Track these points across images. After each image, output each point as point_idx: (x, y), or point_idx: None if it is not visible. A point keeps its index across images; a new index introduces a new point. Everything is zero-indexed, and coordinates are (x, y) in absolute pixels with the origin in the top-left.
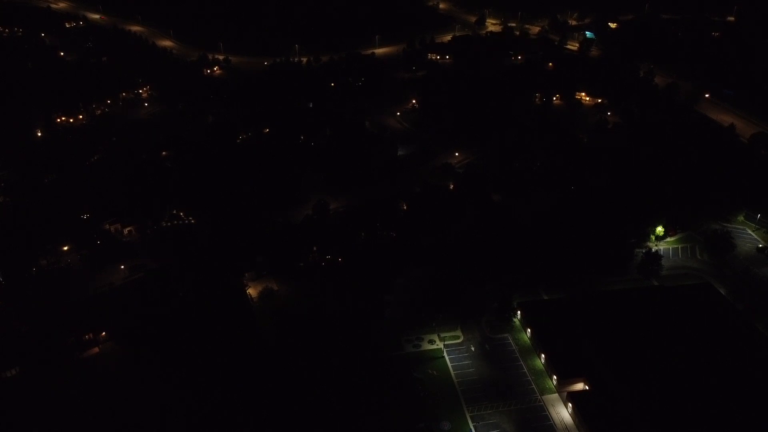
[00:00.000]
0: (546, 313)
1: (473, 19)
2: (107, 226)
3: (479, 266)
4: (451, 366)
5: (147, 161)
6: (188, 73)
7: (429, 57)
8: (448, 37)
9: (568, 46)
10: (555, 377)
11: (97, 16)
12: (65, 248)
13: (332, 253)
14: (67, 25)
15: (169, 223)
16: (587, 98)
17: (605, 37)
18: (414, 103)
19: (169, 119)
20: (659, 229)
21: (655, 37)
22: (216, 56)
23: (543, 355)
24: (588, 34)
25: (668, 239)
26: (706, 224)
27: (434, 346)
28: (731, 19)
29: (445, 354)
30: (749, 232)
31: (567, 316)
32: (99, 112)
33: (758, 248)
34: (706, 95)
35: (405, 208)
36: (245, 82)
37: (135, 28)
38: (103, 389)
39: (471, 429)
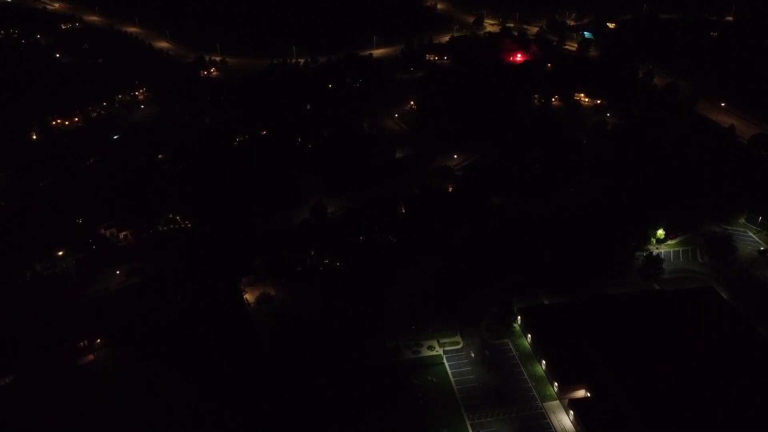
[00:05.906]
0: (547, 318)
1: (471, 19)
2: (103, 230)
3: (479, 267)
4: (451, 372)
5: (143, 164)
6: (185, 74)
7: (427, 58)
8: (447, 38)
9: (567, 47)
10: (556, 384)
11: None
12: (60, 253)
13: (330, 257)
14: (63, 26)
15: (165, 227)
16: (586, 99)
17: (604, 38)
18: (412, 105)
19: (165, 121)
20: (660, 232)
21: (654, 37)
22: (213, 57)
23: (544, 361)
24: (586, 34)
25: (669, 242)
26: (707, 227)
27: (434, 352)
28: (730, 19)
29: (444, 360)
30: (750, 234)
31: (568, 320)
32: (95, 114)
33: (760, 251)
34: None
35: (404, 210)
36: (242, 84)
37: (131, 29)
38: (98, 396)
39: None
